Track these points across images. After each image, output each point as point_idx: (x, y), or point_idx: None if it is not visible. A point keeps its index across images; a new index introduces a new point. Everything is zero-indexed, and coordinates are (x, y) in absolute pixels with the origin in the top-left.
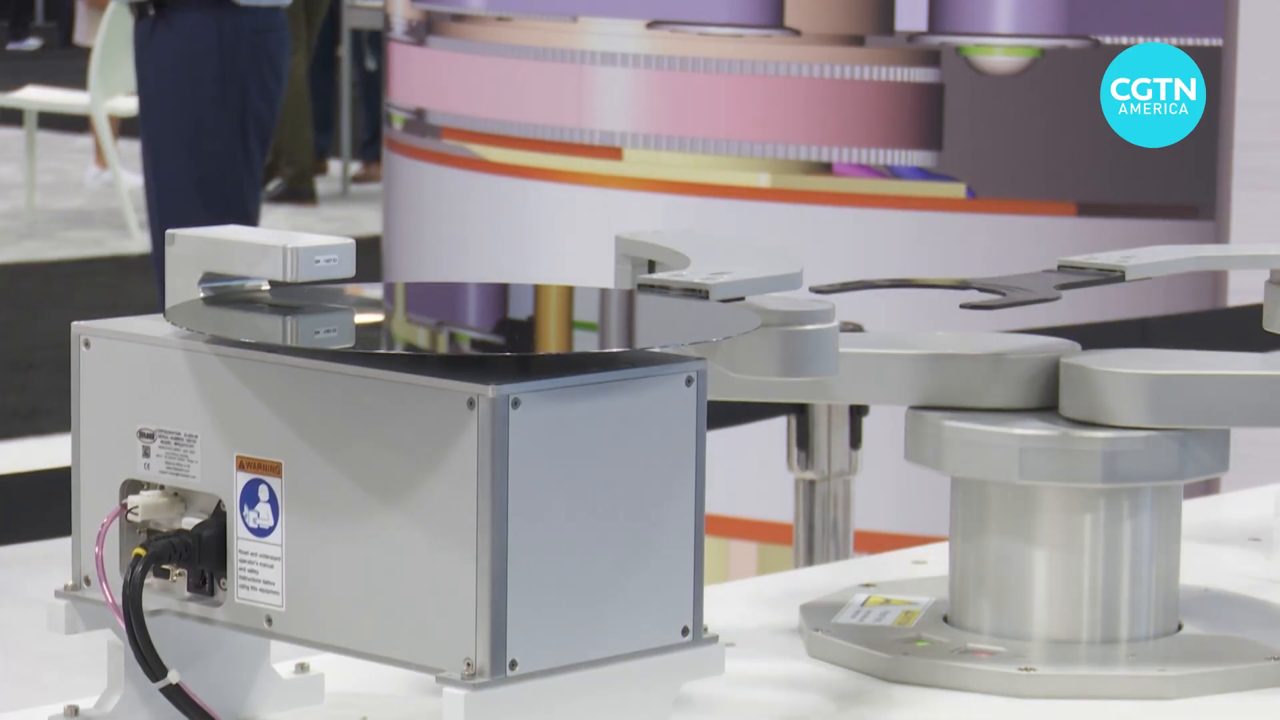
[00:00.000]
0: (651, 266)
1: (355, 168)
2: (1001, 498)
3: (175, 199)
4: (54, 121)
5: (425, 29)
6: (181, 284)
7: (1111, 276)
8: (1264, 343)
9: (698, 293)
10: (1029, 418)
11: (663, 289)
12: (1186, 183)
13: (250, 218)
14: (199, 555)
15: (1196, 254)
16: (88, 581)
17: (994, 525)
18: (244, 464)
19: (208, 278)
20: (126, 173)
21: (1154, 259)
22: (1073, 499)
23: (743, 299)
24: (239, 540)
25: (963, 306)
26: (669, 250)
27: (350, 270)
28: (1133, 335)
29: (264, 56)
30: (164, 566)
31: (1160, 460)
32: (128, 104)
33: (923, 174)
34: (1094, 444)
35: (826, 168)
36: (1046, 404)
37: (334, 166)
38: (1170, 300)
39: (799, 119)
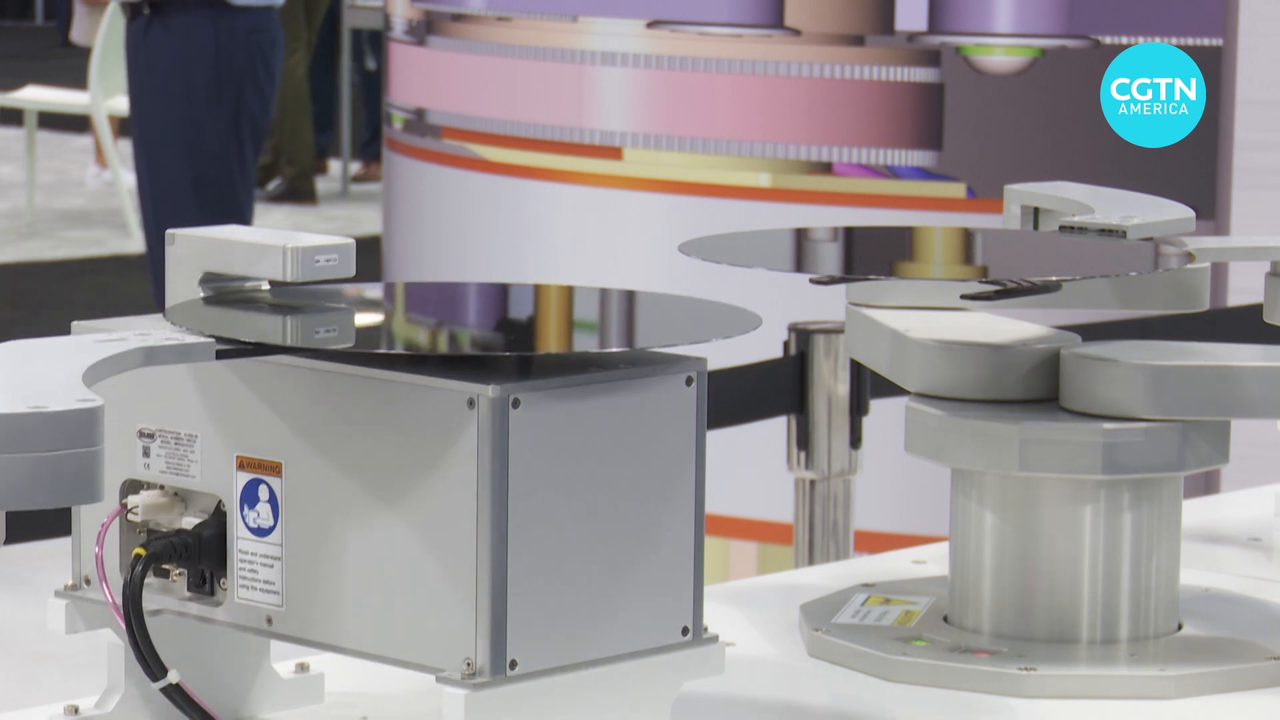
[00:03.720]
0: (1035, 215)
1: (355, 167)
2: (1001, 489)
3: (170, 199)
4: (54, 121)
5: (425, 29)
6: (181, 284)
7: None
8: (1264, 342)
9: (1114, 233)
10: (1029, 409)
11: (1081, 230)
12: (1186, 183)
13: (244, 217)
14: (199, 555)
15: (1198, 245)
16: (88, 581)
17: (994, 517)
18: (244, 464)
19: (208, 277)
20: (126, 172)
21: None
22: (1073, 490)
23: (1152, 239)
24: (239, 540)
25: (963, 297)
26: (1066, 199)
27: (350, 270)
28: (1132, 335)
29: (259, 56)
30: (164, 566)
31: (1160, 451)
32: (128, 103)
33: (923, 174)
34: (1094, 435)
35: (826, 168)
36: (1047, 395)
37: (334, 166)
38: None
39: (799, 119)
